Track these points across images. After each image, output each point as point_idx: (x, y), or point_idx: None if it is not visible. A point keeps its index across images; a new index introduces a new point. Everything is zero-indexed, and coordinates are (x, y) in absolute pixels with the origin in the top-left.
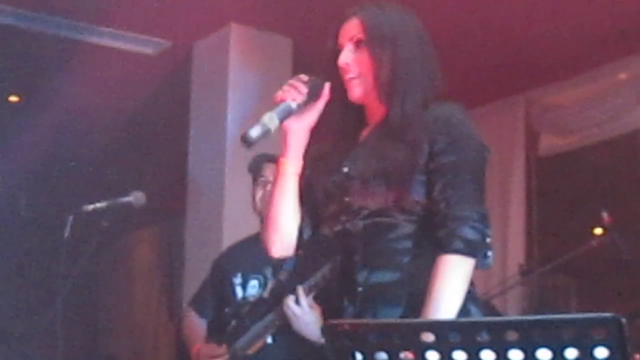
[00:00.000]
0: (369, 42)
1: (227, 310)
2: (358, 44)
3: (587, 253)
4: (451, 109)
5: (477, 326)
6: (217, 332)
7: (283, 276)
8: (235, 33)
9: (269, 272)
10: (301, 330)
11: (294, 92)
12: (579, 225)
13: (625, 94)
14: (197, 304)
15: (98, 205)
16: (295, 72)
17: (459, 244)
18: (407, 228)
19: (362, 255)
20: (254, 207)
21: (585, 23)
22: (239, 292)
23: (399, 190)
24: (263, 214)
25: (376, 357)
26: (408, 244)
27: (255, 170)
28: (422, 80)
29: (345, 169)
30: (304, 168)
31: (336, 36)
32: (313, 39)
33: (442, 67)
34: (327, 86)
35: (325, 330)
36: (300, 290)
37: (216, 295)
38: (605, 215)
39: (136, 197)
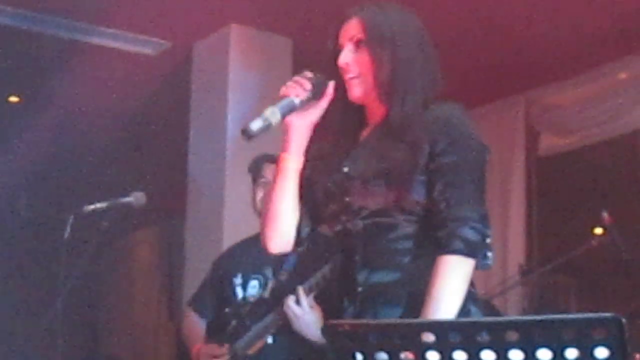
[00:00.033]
0: (369, 42)
1: (227, 310)
2: (358, 44)
3: (587, 253)
4: (451, 109)
5: (477, 326)
6: (217, 332)
7: (283, 276)
8: (235, 33)
9: (269, 272)
10: (301, 331)
11: (297, 88)
12: (579, 225)
13: (625, 94)
14: (197, 304)
15: (98, 205)
16: (296, 72)
17: (459, 245)
18: (408, 228)
19: (362, 255)
20: (254, 208)
21: (585, 23)
22: (239, 292)
23: (399, 190)
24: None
25: (376, 358)
26: (408, 244)
27: (256, 170)
28: (422, 81)
29: (346, 169)
30: (304, 166)
31: (336, 36)
32: (313, 39)
33: (442, 67)
34: (331, 85)
35: (325, 330)
36: (301, 290)
37: (216, 295)
38: (605, 215)
39: (136, 198)
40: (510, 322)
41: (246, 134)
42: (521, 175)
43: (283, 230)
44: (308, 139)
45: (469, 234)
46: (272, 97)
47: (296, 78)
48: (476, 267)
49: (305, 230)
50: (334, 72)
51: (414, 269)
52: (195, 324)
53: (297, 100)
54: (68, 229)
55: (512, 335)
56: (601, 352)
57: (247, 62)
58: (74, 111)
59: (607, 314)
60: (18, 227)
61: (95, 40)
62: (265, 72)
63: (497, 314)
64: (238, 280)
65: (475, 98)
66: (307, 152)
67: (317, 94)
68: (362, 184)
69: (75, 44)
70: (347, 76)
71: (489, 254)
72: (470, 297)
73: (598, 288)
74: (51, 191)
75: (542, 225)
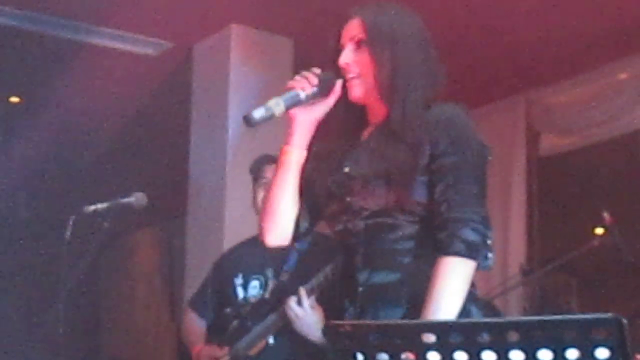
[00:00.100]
0: (370, 42)
1: (228, 310)
2: (359, 44)
3: (588, 253)
4: (453, 110)
5: (478, 327)
6: (218, 332)
7: (284, 277)
8: (236, 34)
9: (270, 272)
10: (303, 331)
11: (304, 83)
12: (580, 225)
13: (626, 94)
14: (197, 304)
15: (99, 206)
16: (296, 72)
17: (459, 246)
18: (409, 229)
19: (363, 255)
20: (255, 208)
21: (585, 23)
22: (240, 292)
23: (400, 190)
24: None
25: (377, 358)
26: (409, 244)
27: (257, 171)
28: (423, 81)
29: (347, 169)
30: (306, 162)
31: (338, 36)
32: (314, 39)
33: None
34: (339, 82)
35: (326, 331)
36: (303, 291)
37: (217, 295)
38: (606, 215)
39: (137, 198)
40: (511, 322)
41: (248, 121)
42: (522, 175)
43: (281, 224)
44: (311, 134)
45: (470, 235)
46: (273, 96)
47: (304, 73)
48: (476, 268)
49: (304, 225)
50: (334, 72)
51: (414, 270)
52: (195, 324)
53: (302, 94)
54: (69, 229)
55: (513, 336)
56: (602, 352)
57: (248, 62)
58: (75, 111)
59: (608, 315)
60: (18, 227)
61: (96, 41)
62: (266, 72)
63: (498, 314)
64: (239, 280)
65: (476, 98)
66: (309, 149)
67: (323, 90)
68: (362, 184)
69: (76, 44)
70: (348, 76)
71: (490, 255)
72: (471, 297)
73: (599, 288)
74: (51, 191)
75: (542, 225)
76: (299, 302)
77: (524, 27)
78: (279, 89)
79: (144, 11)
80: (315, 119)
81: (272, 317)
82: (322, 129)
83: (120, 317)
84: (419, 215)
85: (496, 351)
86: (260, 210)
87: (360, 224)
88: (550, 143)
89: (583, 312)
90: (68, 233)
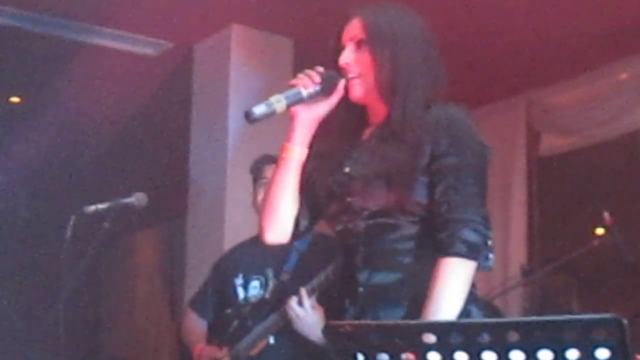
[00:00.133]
0: (370, 42)
1: (228, 311)
2: (359, 44)
3: (588, 253)
4: (453, 111)
5: (478, 327)
6: (218, 333)
7: (285, 277)
8: (236, 34)
9: (270, 272)
10: (303, 332)
11: (306, 81)
12: (581, 225)
13: (626, 94)
14: (197, 304)
15: (100, 206)
16: (296, 72)
17: (460, 247)
18: (409, 229)
19: (363, 255)
20: (256, 209)
21: (585, 23)
22: (241, 292)
23: (400, 191)
24: None
25: (378, 358)
26: (409, 244)
27: (257, 171)
28: (424, 81)
29: (347, 169)
30: (307, 161)
31: (338, 36)
32: (314, 39)
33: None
34: (342, 82)
35: (327, 331)
36: (303, 291)
37: (217, 296)
38: (606, 215)
39: (138, 198)
40: (511, 322)
41: (248, 117)
42: (522, 175)
43: (281, 221)
44: (313, 132)
45: (471, 236)
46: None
47: (307, 71)
48: (477, 269)
49: (303, 223)
50: (336, 72)
51: (415, 270)
52: (196, 324)
53: (304, 92)
54: (69, 229)
55: (513, 336)
56: (602, 353)
57: (248, 63)
58: (76, 111)
59: (608, 315)
60: (18, 227)
61: (97, 41)
62: (266, 72)
63: (498, 314)
64: (239, 280)
65: (476, 99)
66: (310, 148)
67: (326, 88)
68: (363, 185)
69: (77, 44)
70: (348, 76)
71: (490, 255)
72: (471, 297)
73: (599, 288)
74: (51, 191)
75: (543, 225)
76: (300, 302)
77: (524, 27)
78: (280, 89)
79: (144, 11)
80: (317, 117)
81: (272, 317)
82: (323, 128)
83: (120, 317)
84: (420, 215)
85: (496, 351)
86: (260, 209)
87: (361, 224)
88: (550, 143)
89: (583, 312)
90: (68, 233)
